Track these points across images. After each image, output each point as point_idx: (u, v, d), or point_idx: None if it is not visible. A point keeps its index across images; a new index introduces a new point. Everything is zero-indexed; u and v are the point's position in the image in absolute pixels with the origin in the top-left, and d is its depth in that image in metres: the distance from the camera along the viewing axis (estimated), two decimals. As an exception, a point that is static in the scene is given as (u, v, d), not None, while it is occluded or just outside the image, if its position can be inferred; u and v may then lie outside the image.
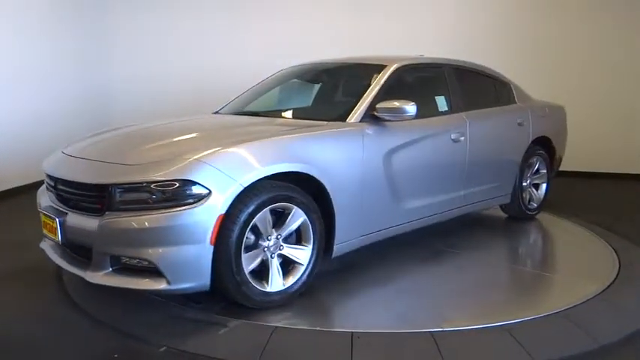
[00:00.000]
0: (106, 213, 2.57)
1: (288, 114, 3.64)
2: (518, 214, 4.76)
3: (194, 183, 2.51)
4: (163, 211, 2.50)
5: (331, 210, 3.04)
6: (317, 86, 4.06)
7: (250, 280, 2.73)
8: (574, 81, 6.92)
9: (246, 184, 2.62)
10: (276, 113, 3.67)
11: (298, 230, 2.96)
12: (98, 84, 7.29)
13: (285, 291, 2.89)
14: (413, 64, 3.90)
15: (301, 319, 2.84)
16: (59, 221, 2.73)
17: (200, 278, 2.56)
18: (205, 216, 2.51)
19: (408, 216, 3.57)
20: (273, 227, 2.85)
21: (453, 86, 4.05)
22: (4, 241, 4.20)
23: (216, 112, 3.96)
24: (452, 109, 3.98)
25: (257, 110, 3.79)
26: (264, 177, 2.72)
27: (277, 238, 2.87)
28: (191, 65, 7.32)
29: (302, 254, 2.96)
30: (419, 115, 3.63)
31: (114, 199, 2.55)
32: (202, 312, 2.81)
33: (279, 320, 2.74)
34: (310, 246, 2.98)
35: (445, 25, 7.11)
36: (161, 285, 2.53)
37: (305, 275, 2.97)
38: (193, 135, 3.03)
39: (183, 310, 2.84)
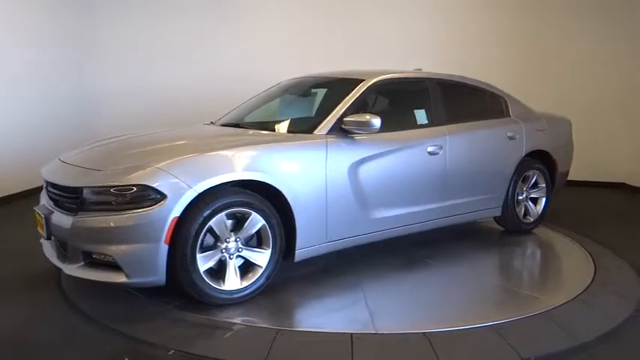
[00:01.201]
0: (79, 213, 2.91)
1: (267, 126, 3.86)
2: (512, 228, 4.74)
3: (150, 188, 2.80)
4: (124, 212, 2.80)
5: (292, 217, 3.24)
6: (301, 100, 4.27)
7: (206, 278, 2.98)
8: (555, 93, 6.95)
9: (200, 190, 2.88)
10: (258, 126, 3.90)
11: (259, 234, 3.18)
12: (87, 93, 7.23)
13: (242, 290, 3.11)
14: (391, 79, 4.03)
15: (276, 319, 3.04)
16: (45, 218, 3.10)
17: (156, 274, 2.84)
18: (160, 218, 2.79)
19: (378, 225, 3.70)
20: (233, 231, 3.09)
21: (436, 100, 4.14)
22: (3, 249, 4.27)
23: (208, 124, 4.25)
24: (432, 123, 4.07)
25: (242, 122, 4.03)
26: (222, 184, 2.97)
27: (236, 241, 3.10)
28: (182, 74, 7.26)
29: (261, 257, 3.18)
30: (393, 128, 3.82)
31: (85, 200, 2.89)
32: (205, 316, 2.95)
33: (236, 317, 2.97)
34: (269, 250, 3.19)
35: (441, 36, 7.22)
36: (121, 279, 2.83)
37: (263, 277, 3.18)
38: (166, 145, 3.32)
39: (184, 314, 2.98)
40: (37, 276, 3.62)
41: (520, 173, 4.63)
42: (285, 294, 3.36)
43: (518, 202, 4.71)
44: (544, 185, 4.86)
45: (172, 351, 2.60)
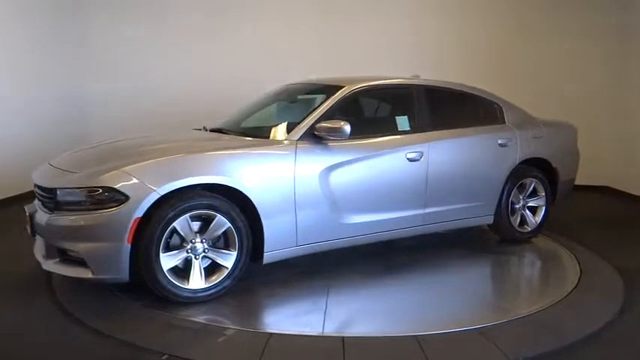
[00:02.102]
0: (54, 212, 3.12)
1: (248, 132, 3.94)
2: (507, 236, 4.64)
3: (114, 190, 2.97)
4: (91, 212, 2.99)
5: (259, 220, 3.33)
6: (288, 106, 4.36)
7: (169, 276, 3.11)
8: (535, 94, 6.69)
9: (163, 192, 3.03)
10: (241, 131, 4.00)
11: (226, 236, 3.29)
12: (77, 97, 7.12)
13: (206, 290, 3.23)
14: (372, 86, 4.06)
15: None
16: (30, 216, 3.34)
17: (119, 272, 3.01)
18: (123, 218, 2.95)
19: (351, 231, 3.73)
20: (200, 232, 3.22)
21: (420, 107, 4.12)
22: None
23: (199, 129, 4.39)
24: (414, 129, 4.06)
25: (226, 128, 4.11)
26: (185, 187, 3.10)
27: (202, 242, 3.23)
28: (175, 78, 7.16)
29: (227, 259, 3.29)
30: (371, 134, 3.86)
31: (58, 200, 3.10)
32: (197, 320, 3.02)
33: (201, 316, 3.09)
34: (235, 252, 3.30)
35: (445, 43, 7.18)
36: (88, 275, 3.01)
37: (228, 278, 3.29)
38: (140, 149, 3.48)
39: (177, 318, 3.04)
40: (28, 280, 3.67)
41: (515, 181, 4.53)
42: (264, 297, 3.49)
43: (514, 211, 4.61)
44: (543, 194, 4.73)
45: (166, 356, 2.63)
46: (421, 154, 3.95)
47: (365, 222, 3.77)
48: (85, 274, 3.02)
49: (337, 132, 3.52)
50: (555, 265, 4.32)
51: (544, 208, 4.74)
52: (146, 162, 3.12)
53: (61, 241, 3.08)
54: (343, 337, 2.85)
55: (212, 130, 4.09)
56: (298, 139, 3.55)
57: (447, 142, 4.13)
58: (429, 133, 4.07)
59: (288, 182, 3.42)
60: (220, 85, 6.80)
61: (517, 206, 4.63)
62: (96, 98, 7.22)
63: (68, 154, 3.73)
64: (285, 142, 3.53)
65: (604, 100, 7.03)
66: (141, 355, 2.65)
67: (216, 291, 3.26)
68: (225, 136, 3.85)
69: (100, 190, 2.98)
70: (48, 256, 3.21)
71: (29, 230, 3.38)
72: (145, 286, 3.14)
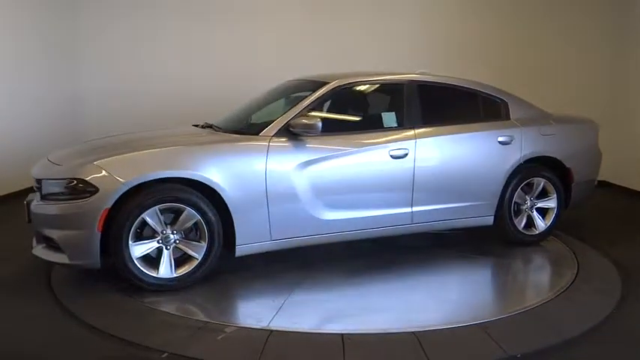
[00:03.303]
0: (41, 200, 3.38)
1: (235, 129, 3.99)
2: (510, 239, 4.39)
3: (85, 181, 3.17)
4: (67, 202, 3.22)
5: (229, 214, 3.42)
6: (280, 103, 4.39)
7: (139, 264, 3.27)
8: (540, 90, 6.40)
9: (130, 185, 3.19)
10: (229, 127, 4.06)
11: (198, 228, 3.41)
12: (71, 94, 7.05)
13: (175, 279, 3.37)
14: (359, 82, 4.02)
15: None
16: (27, 204, 3.63)
17: (90, 258, 3.21)
18: (93, 208, 3.15)
19: (329, 227, 3.71)
20: (171, 224, 3.36)
21: (410, 103, 4.02)
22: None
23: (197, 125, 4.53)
24: (402, 126, 3.97)
25: (216, 124, 4.17)
26: (154, 180, 3.25)
27: (173, 233, 3.36)
28: (173, 75, 7.10)
29: (197, 250, 3.41)
30: (353, 130, 3.85)
31: (43, 190, 3.36)
32: (195, 318, 3.05)
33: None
34: (205, 244, 3.40)
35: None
36: (64, 260, 3.24)
37: (198, 269, 3.40)
38: (123, 144, 3.64)
39: (177, 316, 3.07)
40: (26, 277, 3.71)
41: (520, 180, 4.30)
42: (235, 288, 3.58)
43: (519, 212, 4.38)
44: (554, 195, 4.45)
45: (166, 354, 2.64)
46: (407, 151, 3.86)
47: (345, 219, 3.74)
48: (61, 259, 3.26)
49: (311, 128, 3.53)
50: (553, 260, 4.27)
51: (555, 210, 4.46)
52: (117, 156, 3.31)
53: (43, 228, 3.34)
54: (342, 334, 2.85)
55: (204, 127, 4.22)
56: (273, 135, 3.59)
57: (438, 139, 4.00)
58: (419, 129, 3.96)
59: (259, 177, 3.48)
60: (219, 83, 6.86)
61: (523, 207, 4.39)
62: (95, 97, 7.18)
63: (65, 150, 4.01)
64: (260, 137, 3.59)
65: (605, 96, 6.91)
66: (141, 353, 2.67)
67: (186, 280, 3.38)
68: (209, 132, 3.96)
69: (75, 182, 3.20)
70: (37, 242, 3.48)
71: (27, 217, 3.68)
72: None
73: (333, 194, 3.69)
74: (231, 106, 4.65)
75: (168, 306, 3.20)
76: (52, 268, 3.70)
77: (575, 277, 3.75)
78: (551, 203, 4.46)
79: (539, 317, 3.14)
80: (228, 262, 3.61)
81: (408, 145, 3.88)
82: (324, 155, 3.65)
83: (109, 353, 2.69)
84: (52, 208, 3.27)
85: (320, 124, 3.51)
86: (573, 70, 7.01)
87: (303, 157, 3.60)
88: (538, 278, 4.09)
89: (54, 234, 3.25)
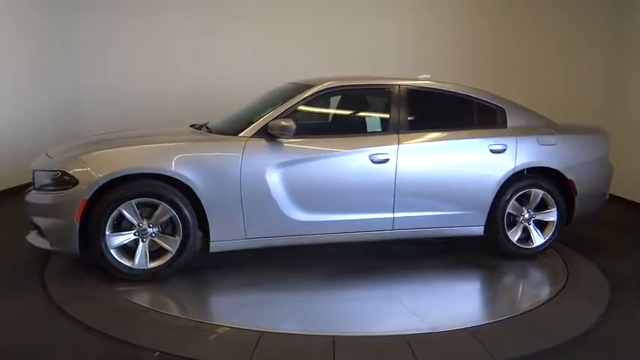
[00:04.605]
0: (33, 190, 3.64)
1: (223, 129, 4.06)
2: (501, 251, 4.23)
3: (68, 174, 3.39)
4: (52, 192, 3.45)
5: (203, 210, 3.54)
6: (267, 105, 4.42)
7: (114, 254, 3.45)
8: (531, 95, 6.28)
9: (107, 179, 3.38)
10: (218, 129, 4.13)
11: (173, 223, 3.55)
12: (71, 94, 7.12)
13: (150, 270, 3.52)
14: (344, 86, 4.02)
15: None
16: (25, 194, 3.92)
17: (70, 245, 3.42)
18: (72, 199, 3.36)
19: (304, 229, 3.75)
20: (147, 217, 3.52)
21: (397, 108, 3.98)
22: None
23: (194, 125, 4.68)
24: (386, 130, 3.94)
25: (209, 126, 4.28)
26: (130, 175, 3.42)
27: (150, 227, 3.52)
28: (172, 74, 7.16)
29: (171, 244, 3.55)
30: (333, 133, 3.89)
31: (35, 180, 3.62)
32: (187, 318, 3.10)
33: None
34: (179, 238, 3.54)
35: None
36: (46, 245, 3.48)
37: (172, 262, 3.54)
38: (112, 141, 3.83)
39: (169, 316, 3.11)
40: (19, 274, 3.75)
41: (515, 191, 4.14)
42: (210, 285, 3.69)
43: (513, 223, 4.21)
44: (554, 209, 4.25)
45: (158, 353, 2.65)
46: (388, 156, 3.83)
47: (320, 221, 3.77)
48: (45, 245, 3.49)
49: (284, 130, 3.59)
50: (542, 267, 4.23)
51: (555, 224, 4.25)
52: (99, 151, 3.51)
53: (33, 216, 3.60)
54: (333, 337, 2.88)
55: (199, 128, 4.37)
56: (252, 136, 3.68)
57: (423, 144, 3.94)
58: (403, 135, 3.92)
59: (233, 176, 3.57)
60: (217, 83, 6.95)
61: (519, 219, 4.23)
62: (95, 96, 7.27)
63: (63, 145, 4.25)
64: (237, 138, 3.69)
65: (601, 106, 6.89)
66: (132, 352, 2.69)
67: (160, 272, 3.53)
68: (194, 132, 4.10)
69: (60, 174, 3.43)
70: (30, 229, 3.75)
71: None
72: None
73: (307, 196, 3.72)
74: (231, 107, 4.79)
75: (161, 305, 3.30)
76: (46, 264, 3.81)
77: (565, 283, 3.75)
78: (550, 216, 4.26)
79: (528, 323, 3.17)
80: (224, 263, 3.74)
81: (390, 150, 3.84)
82: (300, 157, 3.70)
83: (100, 351, 2.72)
84: (40, 197, 3.51)
85: (294, 127, 3.56)
86: (571, 78, 7.03)
87: (279, 158, 3.66)
88: (528, 284, 4.07)
89: (40, 221, 3.49)
